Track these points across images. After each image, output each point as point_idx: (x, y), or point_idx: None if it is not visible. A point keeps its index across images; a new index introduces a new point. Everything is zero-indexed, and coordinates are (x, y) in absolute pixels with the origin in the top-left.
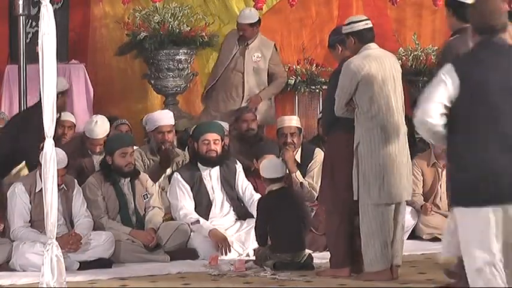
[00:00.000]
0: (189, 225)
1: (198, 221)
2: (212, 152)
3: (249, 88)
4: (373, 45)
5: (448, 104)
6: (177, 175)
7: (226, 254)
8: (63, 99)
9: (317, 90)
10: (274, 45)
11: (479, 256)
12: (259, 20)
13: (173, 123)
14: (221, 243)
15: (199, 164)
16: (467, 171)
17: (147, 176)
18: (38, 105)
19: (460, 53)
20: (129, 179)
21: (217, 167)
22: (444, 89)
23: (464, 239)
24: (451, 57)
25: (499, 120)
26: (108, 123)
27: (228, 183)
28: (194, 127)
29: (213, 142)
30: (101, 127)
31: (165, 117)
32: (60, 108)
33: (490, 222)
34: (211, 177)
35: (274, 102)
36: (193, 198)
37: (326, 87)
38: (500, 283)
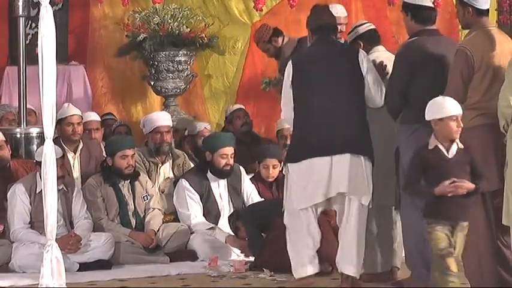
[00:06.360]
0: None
1: (212, 228)
2: (228, 166)
3: None
4: (381, 47)
5: None
6: (185, 182)
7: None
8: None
9: None
10: None
11: None
12: None
13: (171, 125)
14: (242, 247)
15: (209, 174)
16: None
17: (147, 177)
18: None
19: (418, 55)
20: (128, 180)
21: None
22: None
23: None
24: (408, 59)
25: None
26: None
27: (235, 190)
28: (207, 137)
29: (230, 156)
30: (74, 108)
31: (162, 118)
32: None
33: None
34: (219, 185)
35: None
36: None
37: None
38: None
